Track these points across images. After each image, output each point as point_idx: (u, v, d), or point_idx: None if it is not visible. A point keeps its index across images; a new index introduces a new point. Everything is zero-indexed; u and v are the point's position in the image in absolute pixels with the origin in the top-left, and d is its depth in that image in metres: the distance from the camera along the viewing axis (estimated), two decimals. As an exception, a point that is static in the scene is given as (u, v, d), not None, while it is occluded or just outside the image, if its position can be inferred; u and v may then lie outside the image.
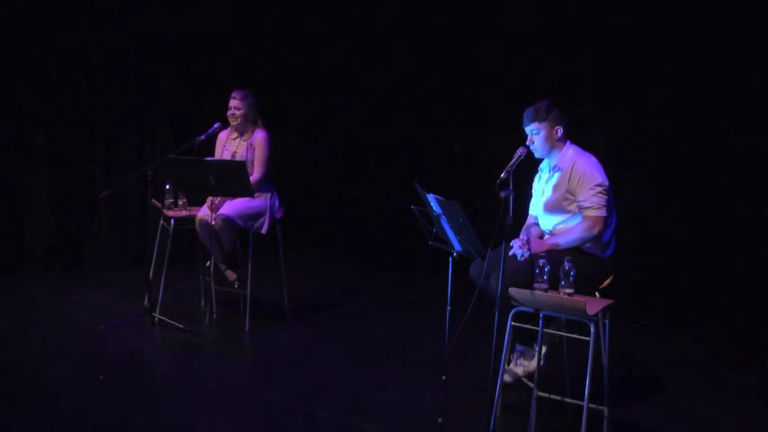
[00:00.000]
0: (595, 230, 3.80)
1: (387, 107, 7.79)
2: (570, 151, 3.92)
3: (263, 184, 5.28)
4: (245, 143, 5.34)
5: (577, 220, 3.85)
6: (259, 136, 5.30)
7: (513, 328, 3.65)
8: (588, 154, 3.91)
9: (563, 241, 3.83)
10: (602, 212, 3.80)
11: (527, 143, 3.91)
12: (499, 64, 7.12)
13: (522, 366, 3.97)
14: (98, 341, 4.95)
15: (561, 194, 3.88)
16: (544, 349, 3.85)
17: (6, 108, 6.48)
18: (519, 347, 3.97)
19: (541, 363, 3.80)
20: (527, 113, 3.93)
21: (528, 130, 3.93)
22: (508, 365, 3.95)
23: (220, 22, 7.35)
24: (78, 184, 6.85)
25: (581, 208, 3.83)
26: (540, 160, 4.08)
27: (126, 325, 5.18)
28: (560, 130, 3.90)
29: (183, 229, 5.36)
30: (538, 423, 3.65)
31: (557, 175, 3.93)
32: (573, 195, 3.86)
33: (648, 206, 6.55)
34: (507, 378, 3.89)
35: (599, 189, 3.79)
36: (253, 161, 5.27)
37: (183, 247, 6.58)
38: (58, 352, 4.77)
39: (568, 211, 3.90)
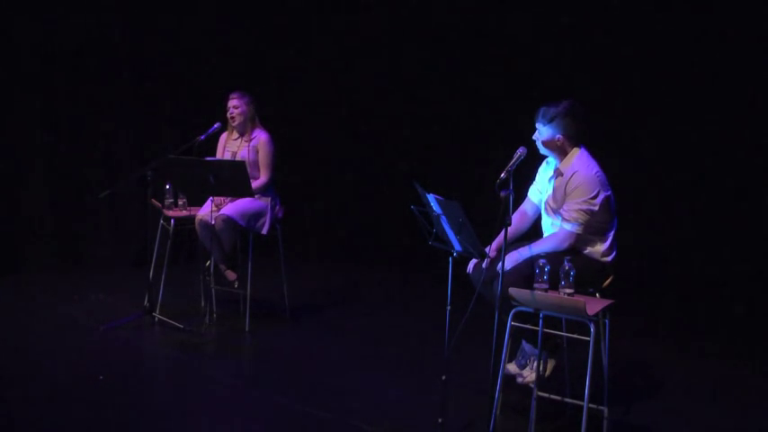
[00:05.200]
0: (565, 245, 3.79)
1: (387, 107, 7.78)
2: (574, 158, 3.84)
3: (270, 187, 5.30)
4: (246, 143, 5.34)
5: (567, 227, 3.82)
6: (262, 138, 5.31)
7: (515, 329, 3.65)
8: (592, 164, 3.82)
9: (535, 251, 3.82)
10: (577, 229, 3.76)
11: (533, 136, 3.90)
12: (500, 62, 7.12)
13: (521, 371, 3.96)
14: (98, 341, 4.95)
15: (559, 200, 3.86)
16: (552, 364, 3.84)
17: (6, 108, 6.48)
18: (526, 346, 3.95)
19: (545, 374, 3.80)
20: (538, 110, 3.87)
21: (535, 125, 3.91)
22: (509, 363, 3.94)
23: (220, 21, 7.35)
24: (78, 185, 6.85)
25: (561, 218, 3.82)
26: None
27: (126, 325, 5.18)
28: (561, 139, 3.83)
29: (183, 229, 5.36)
30: (538, 423, 3.65)
31: (558, 179, 3.89)
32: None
33: (649, 205, 6.55)
34: (510, 369, 3.89)
35: (585, 206, 3.74)
36: (255, 163, 5.28)
37: (183, 247, 6.57)
38: (58, 352, 4.77)
39: None
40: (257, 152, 5.30)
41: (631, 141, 6.60)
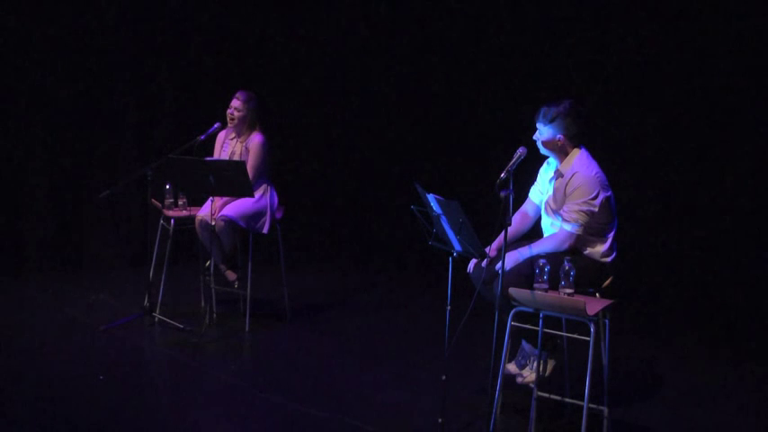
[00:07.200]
0: (565, 245, 3.79)
1: (387, 106, 7.79)
2: (574, 159, 3.84)
3: (268, 187, 5.31)
4: (241, 145, 5.33)
5: (567, 227, 3.83)
6: (256, 140, 5.28)
7: (515, 329, 3.65)
8: (593, 165, 3.83)
9: (535, 251, 3.83)
10: (577, 230, 3.76)
11: (534, 136, 3.90)
12: (500, 62, 7.12)
13: (521, 371, 3.96)
14: (98, 341, 4.95)
15: (559, 201, 3.86)
16: (552, 364, 3.84)
17: (6, 108, 6.48)
18: (526, 346, 3.95)
19: (545, 374, 3.80)
20: (539, 110, 3.87)
21: (536, 125, 3.92)
22: (509, 362, 3.94)
23: (221, 21, 7.35)
24: (78, 184, 6.84)
25: (561, 219, 3.82)
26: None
27: (126, 325, 5.18)
28: (562, 139, 3.83)
29: (183, 229, 5.36)
30: (538, 423, 3.66)
31: (558, 180, 3.89)
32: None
33: (648, 205, 6.55)
34: (510, 369, 3.89)
35: (585, 206, 3.74)
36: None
37: (183, 247, 6.57)
38: (58, 352, 4.77)
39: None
40: (249, 153, 5.29)
41: (632, 141, 6.60)
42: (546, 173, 4.04)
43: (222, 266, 5.32)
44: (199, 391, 4.31)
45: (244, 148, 5.31)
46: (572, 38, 6.72)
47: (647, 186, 6.57)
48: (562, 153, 3.88)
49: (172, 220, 5.27)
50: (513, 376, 3.91)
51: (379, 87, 7.75)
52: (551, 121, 3.83)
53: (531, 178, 4.13)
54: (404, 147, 7.72)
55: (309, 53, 7.78)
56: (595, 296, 3.75)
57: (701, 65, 6.27)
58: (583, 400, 3.44)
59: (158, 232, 5.40)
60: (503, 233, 3.55)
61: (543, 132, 3.86)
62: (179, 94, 7.20)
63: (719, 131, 6.29)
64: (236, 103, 5.30)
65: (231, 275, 5.32)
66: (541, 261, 3.52)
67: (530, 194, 4.12)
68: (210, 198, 5.09)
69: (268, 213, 5.27)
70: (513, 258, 3.79)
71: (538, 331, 3.63)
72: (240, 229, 5.21)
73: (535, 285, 3.51)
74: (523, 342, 3.94)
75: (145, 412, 3.98)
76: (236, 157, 5.30)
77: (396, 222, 7.39)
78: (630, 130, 6.60)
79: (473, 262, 3.94)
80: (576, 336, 3.60)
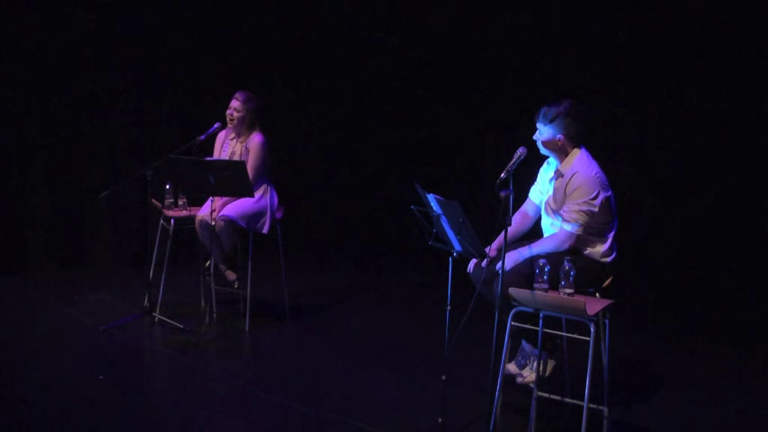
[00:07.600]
0: (566, 245, 3.80)
1: (387, 106, 7.79)
2: (574, 159, 3.84)
3: (268, 187, 5.31)
4: (241, 145, 5.33)
5: (567, 227, 3.83)
6: (255, 140, 5.28)
7: (515, 329, 3.65)
8: (593, 165, 3.83)
9: (535, 251, 3.83)
10: (577, 230, 3.77)
11: (533, 136, 3.91)
12: (500, 63, 7.12)
13: (521, 371, 3.96)
14: (98, 341, 4.95)
15: (559, 201, 3.87)
16: (552, 364, 3.84)
17: (6, 108, 6.48)
18: (526, 346, 3.95)
19: (545, 374, 3.80)
20: (539, 110, 3.87)
21: (536, 125, 3.92)
22: (509, 362, 3.94)
23: (221, 21, 7.35)
24: (78, 185, 6.85)
25: (561, 219, 3.82)
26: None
27: (126, 325, 5.19)
28: (562, 139, 3.84)
29: (183, 229, 5.36)
30: (538, 423, 3.66)
31: (558, 180, 3.89)
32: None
33: (649, 205, 6.55)
34: (510, 369, 3.89)
35: (585, 206, 3.74)
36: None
37: (183, 247, 6.57)
38: (58, 352, 4.77)
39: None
40: (249, 153, 5.29)
41: (631, 141, 6.60)
42: (546, 173, 4.04)
43: (222, 266, 5.32)
44: (199, 390, 4.31)
45: (244, 149, 5.31)
46: (572, 37, 6.72)
47: (647, 186, 6.57)
48: (562, 153, 3.88)
49: (172, 220, 5.27)
50: (513, 376, 3.91)
51: (379, 87, 7.75)
52: (551, 121, 3.83)
53: (531, 178, 4.13)
54: (404, 147, 7.72)
55: (309, 53, 7.78)
56: (595, 296, 3.75)
57: (701, 64, 6.27)
58: (583, 400, 3.44)
59: (158, 232, 5.40)
60: (503, 233, 3.55)
61: (543, 132, 3.87)
62: (179, 94, 7.20)
63: (720, 131, 6.29)
64: (234, 103, 5.30)
65: (231, 275, 5.32)
66: (541, 261, 3.52)
67: (530, 194, 4.12)
68: (210, 198, 5.09)
69: (268, 213, 5.27)
70: (513, 258, 3.79)
71: (538, 331, 3.64)
72: (240, 229, 5.21)
73: (535, 285, 3.51)
74: (523, 342, 3.94)
75: (145, 412, 3.98)
76: (236, 158, 5.30)
77: (396, 222, 7.39)
78: (630, 130, 6.60)
79: (473, 262, 3.94)
80: (576, 336, 3.60)
